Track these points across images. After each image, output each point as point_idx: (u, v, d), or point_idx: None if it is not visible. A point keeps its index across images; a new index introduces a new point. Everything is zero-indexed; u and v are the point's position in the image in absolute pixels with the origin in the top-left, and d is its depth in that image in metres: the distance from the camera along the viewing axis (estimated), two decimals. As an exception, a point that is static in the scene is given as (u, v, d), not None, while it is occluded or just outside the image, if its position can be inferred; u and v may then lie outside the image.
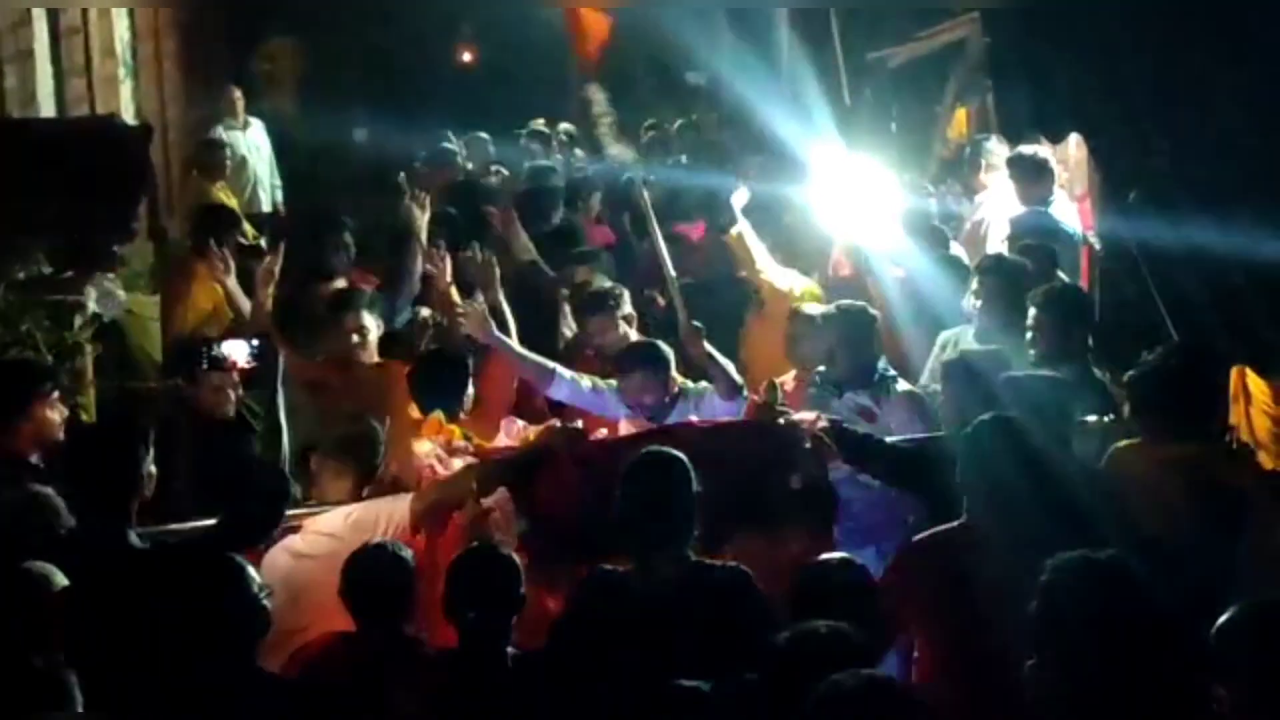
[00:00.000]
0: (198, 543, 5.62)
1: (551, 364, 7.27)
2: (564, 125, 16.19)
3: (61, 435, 6.21)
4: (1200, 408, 6.07)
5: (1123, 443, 6.10)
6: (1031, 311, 7.23)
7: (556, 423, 6.59)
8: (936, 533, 5.45)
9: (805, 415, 6.39)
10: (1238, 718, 4.01)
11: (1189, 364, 6.08)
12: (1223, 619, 4.16)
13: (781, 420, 6.32)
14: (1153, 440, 5.92)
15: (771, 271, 8.74)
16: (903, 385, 7.26)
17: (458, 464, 6.32)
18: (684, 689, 4.41)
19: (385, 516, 6.01)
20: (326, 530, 6.01)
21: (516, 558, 5.18)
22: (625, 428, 6.92)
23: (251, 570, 4.90)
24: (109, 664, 4.85)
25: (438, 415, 6.73)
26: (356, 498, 6.30)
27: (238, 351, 5.99)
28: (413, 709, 4.91)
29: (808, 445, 6.20)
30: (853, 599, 4.85)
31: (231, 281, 8.45)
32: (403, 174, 13.02)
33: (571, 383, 7.17)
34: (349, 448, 6.57)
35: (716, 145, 13.65)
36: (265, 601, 4.85)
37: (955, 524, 5.39)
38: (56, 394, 6.31)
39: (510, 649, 5.00)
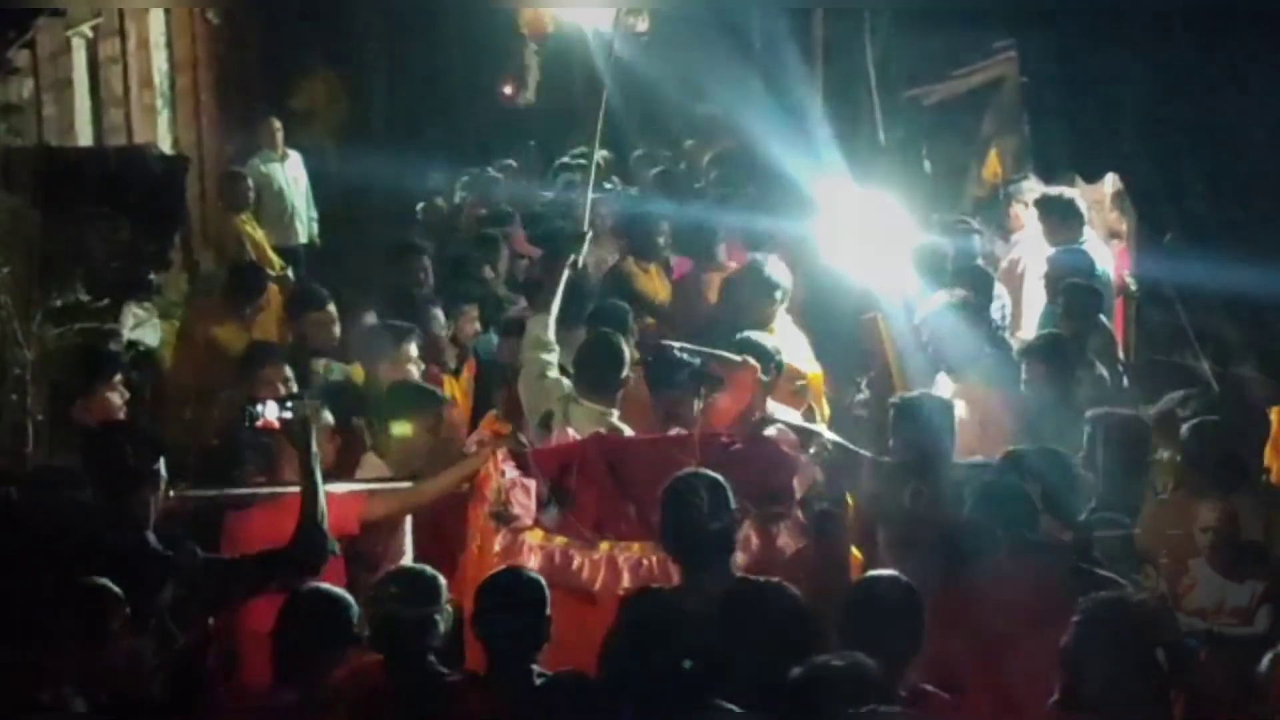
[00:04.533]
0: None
1: None
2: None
3: (123, 415, 6.97)
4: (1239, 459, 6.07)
5: (1153, 502, 6.10)
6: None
7: (603, 430, 6.51)
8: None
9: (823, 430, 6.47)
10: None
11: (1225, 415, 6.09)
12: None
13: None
14: (1189, 494, 5.92)
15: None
16: None
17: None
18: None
19: None
20: None
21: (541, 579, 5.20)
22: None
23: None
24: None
25: (494, 412, 7.31)
26: None
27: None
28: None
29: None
30: (897, 617, 4.82)
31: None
32: (421, 206, 13.21)
33: None
34: None
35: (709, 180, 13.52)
36: None
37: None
38: (119, 378, 7.10)
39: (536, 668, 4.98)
